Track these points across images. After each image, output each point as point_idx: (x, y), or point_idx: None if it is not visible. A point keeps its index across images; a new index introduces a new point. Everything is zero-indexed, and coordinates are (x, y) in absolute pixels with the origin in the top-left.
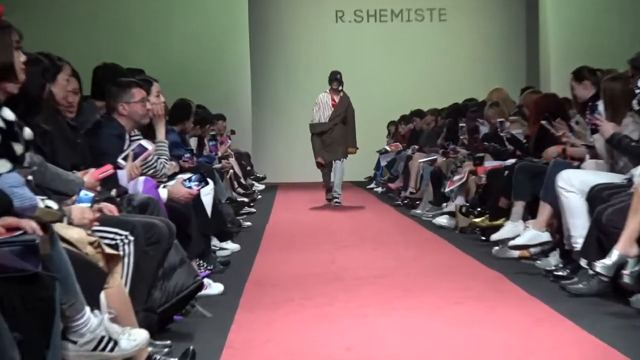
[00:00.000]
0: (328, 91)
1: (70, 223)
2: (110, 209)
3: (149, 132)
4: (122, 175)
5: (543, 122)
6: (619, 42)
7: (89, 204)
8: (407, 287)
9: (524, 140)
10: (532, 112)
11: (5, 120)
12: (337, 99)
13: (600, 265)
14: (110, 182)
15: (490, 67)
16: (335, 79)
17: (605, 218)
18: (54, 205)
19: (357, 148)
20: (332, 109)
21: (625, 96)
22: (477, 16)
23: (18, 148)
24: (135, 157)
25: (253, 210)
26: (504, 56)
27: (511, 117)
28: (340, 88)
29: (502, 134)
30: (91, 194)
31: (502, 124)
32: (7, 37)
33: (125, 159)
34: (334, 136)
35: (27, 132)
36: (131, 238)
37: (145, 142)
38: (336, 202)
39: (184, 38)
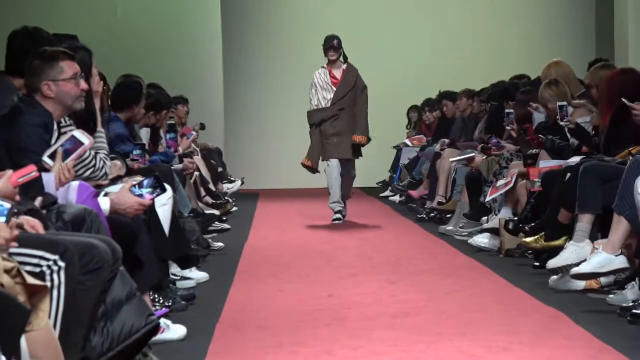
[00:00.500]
0: (325, 66)
1: None
2: (32, 224)
3: (86, 120)
4: (50, 179)
5: (625, 100)
6: None
7: (4, 218)
8: (437, 331)
9: (593, 132)
10: (604, 94)
11: None
12: (338, 74)
13: None
14: (33, 188)
15: (548, 32)
16: (331, 46)
17: None
18: None
19: (369, 138)
20: (334, 88)
21: None
22: None
23: None
24: (67, 154)
25: (226, 226)
26: (566, 18)
27: (575, 101)
28: (341, 58)
29: (562, 123)
30: (7, 205)
31: (562, 109)
32: None
33: (52, 157)
34: (339, 126)
35: None
36: (61, 264)
37: (79, 134)
38: (336, 218)
39: None
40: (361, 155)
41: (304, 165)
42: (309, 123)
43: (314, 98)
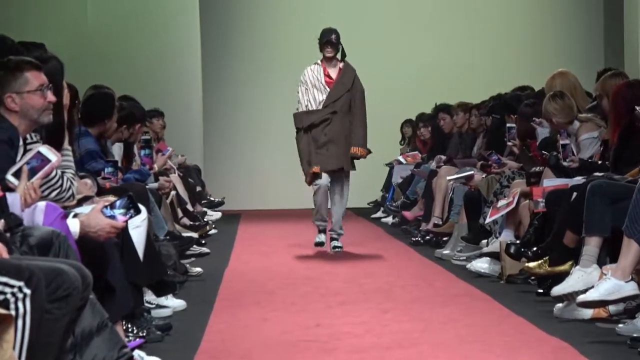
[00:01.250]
0: (320, 62)
1: None
2: None
3: (55, 135)
4: (15, 199)
5: (637, 108)
6: None
7: None
8: None
9: (601, 147)
10: (613, 107)
11: None
12: (334, 73)
13: None
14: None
15: (553, 40)
16: (328, 41)
17: None
18: None
19: (369, 150)
20: (328, 88)
21: None
22: None
23: None
24: (33, 172)
25: (205, 250)
26: (573, 25)
27: (582, 115)
28: (338, 56)
29: (565, 164)
30: None
31: (565, 147)
32: None
33: (17, 175)
34: (331, 132)
35: None
36: (27, 291)
37: (45, 150)
38: (336, 248)
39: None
40: (354, 169)
41: (310, 175)
42: (296, 127)
43: (303, 98)
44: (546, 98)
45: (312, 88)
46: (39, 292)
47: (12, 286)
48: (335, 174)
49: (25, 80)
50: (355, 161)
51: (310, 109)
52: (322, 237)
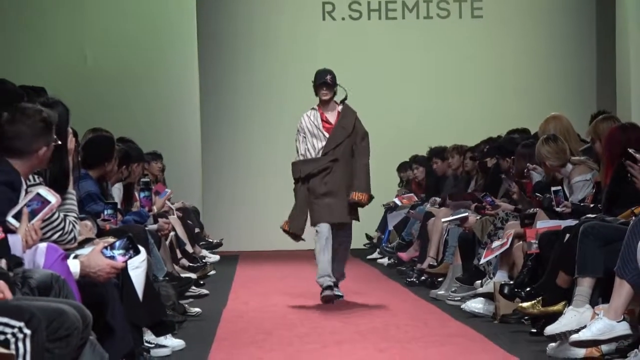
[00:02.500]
0: (316, 107)
1: None
2: None
3: (59, 178)
4: (16, 241)
5: (631, 150)
6: None
7: None
8: None
9: (594, 190)
10: (606, 150)
11: None
12: (332, 117)
13: None
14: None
15: (548, 83)
16: (324, 83)
17: None
18: None
19: (371, 196)
20: (327, 135)
21: None
22: (526, 13)
23: None
24: (33, 214)
25: (204, 291)
26: (565, 69)
27: (575, 158)
28: (335, 98)
29: (558, 209)
30: None
31: (557, 194)
32: None
33: (18, 217)
34: (332, 182)
35: None
36: (27, 331)
37: (44, 192)
38: (326, 296)
39: (104, 38)
40: (358, 219)
41: (284, 230)
42: (294, 177)
43: (300, 146)
44: (539, 141)
45: (310, 136)
46: (39, 332)
47: (12, 327)
48: (335, 227)
49: (52, 136)
50: (356, 203)
51: (309, 157)
52: (328, 292)
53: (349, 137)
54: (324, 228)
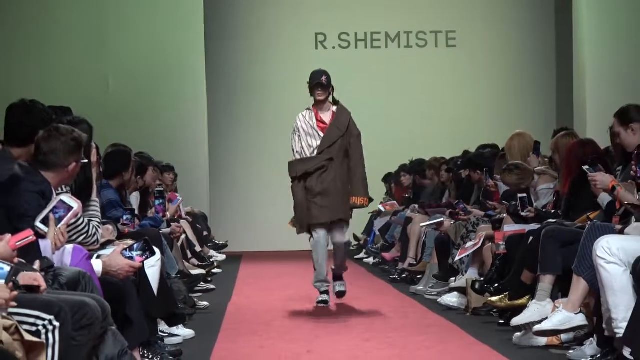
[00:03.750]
0: (311, 107)
1: None
2: (34, 277)
3: (84, 188)
4: (46, 245)
5: (585, 167)
6: None
7: (2, 280)
8: None
9: (554, 198)
10: (565, 162)
11: None
12: (327, 117)
13: None
14: (30, 253)
15: (513, 104)
16: (319, 84)
17: None
18: None
19: (371, 198)
20: (321, 134)
21: None
22: (494, 41)
23: None
24: (59, 220)
25: (211, 286)
26: (529, 91)
27: (538, 168)
28: (330, 99)
29: (523, 214)
30: (7, 268)
31: (523, 200)
32: None
33: (45, 222)
34: (327, 180)
35: None
36: (56, 324)
37: (67, 198)
38: (322, 301)
39: (124, 66)
40: (351, 217)
41: (298, 227)
42: (291, 176)
43: (296, 145)
44: (503, 173)
45: (305, 135)
46: (66, 324)
47: (43, 319)
48: (332, 225)
49: (82, 150)
50: (356, 207)
51: (304, 156)
52: (325, 297)
53: (343, 136)
54: (320, 233)
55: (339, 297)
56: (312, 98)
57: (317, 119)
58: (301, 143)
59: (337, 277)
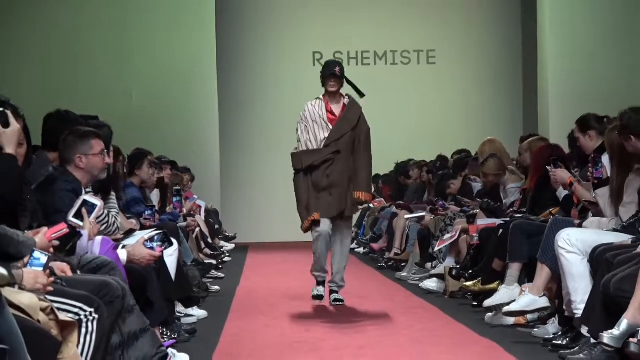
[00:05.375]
0: (322, 97)
1: (21, 288)
2: (62, 268)
3: (103, 186)
4: (84, 235)
5: (548, 167)
6: (630, 85)
7: (41, 268)
8: (395, 359)
9: (521, 195)
10: (534, 161)
11: None
12: (337, 109)
13: (607, 337)
14: (65, 241)
15: (485, 113)
16: (333, 74)
17: (613, 287)
18: (2, 270)
19: (374, 195)
20: (330, 126)
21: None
22: (469, 58)
23: None
24: (88, 215)
25: (221, 275)
26: (500, 102)
27: (510, 167)
28: (341, 92)
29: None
30: (45, 258)
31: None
32: None
33: (77, 216)
34: (334, 174)
35: None
36: (95, 316)
37: (89, 197)
38: (336, 301)
39: (145, 80)
40: (357, 211)
41: (308, 222)
42: (295, 168)
43: (302, 135)
44: (485, 163)
45: (313, 125)
46: (102, 317)
47: (85, 310)
48: (336, 220)
49: (90, 145)
50: (361, 203)
51: (310, 147)
52: (320, 290)
53: (353, 130)
54: (324, 227)
55: (336, 304)
56: (322, 88)
57: (327, 110)
58: (308, 133)
59: (333, 291)
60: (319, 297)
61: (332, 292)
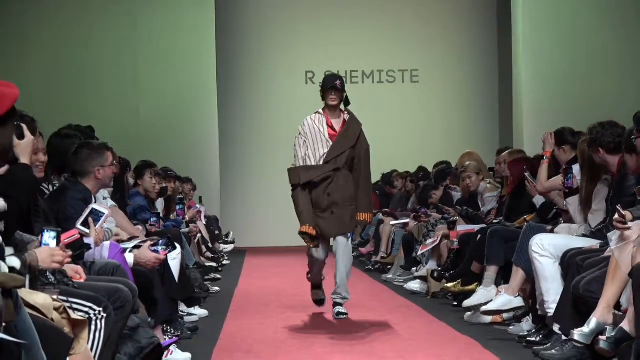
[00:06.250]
0: (321, 111)
1: (38, 271)
2: (76, 269)
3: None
4: (90, 242)
5: (526, 173)
6: (598, 101)
7: (55, 241)
8: (381, 355)
9: (497, 204)
10: (511, 172)
11: None
12: (337, 124)
13: (578, 334)
14: (77, 246)
15: (464, 128)
16: (333, 87)
17: (583, 288)
18: (16, 263)
19: (374, 213)
20: (330, 142)
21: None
22: (449, 77)
23: None
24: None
25: (218, 276)
26: (478, 117)
27: (488, 179)
28: (342, 106)
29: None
30: (54, 232)
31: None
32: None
33: (85, 224)
34: (335, 192)
35: (0, 205)
36: (104, 314)
37: (97, 207)
38: (340, 315)
39: (151, 99)
40: (356, 227)
41: (306, 234)
42: (292, 183)
43: (300, 150)
44: (466, 168)
45: (313, 140)
46: (110, 316)
47: (94, 309)
48: (336, 238)
49: (106, 157)
50: (361, 224)
51: (309, 163)
52: (320, 294)
53: (352, 148)
54: (321, 254)
55: (339, 318)
56: (318, 104)
57: (327, 125)
58: (306, 148)
59: (336, 303)
60: (321, 302)
61: (335, 304)
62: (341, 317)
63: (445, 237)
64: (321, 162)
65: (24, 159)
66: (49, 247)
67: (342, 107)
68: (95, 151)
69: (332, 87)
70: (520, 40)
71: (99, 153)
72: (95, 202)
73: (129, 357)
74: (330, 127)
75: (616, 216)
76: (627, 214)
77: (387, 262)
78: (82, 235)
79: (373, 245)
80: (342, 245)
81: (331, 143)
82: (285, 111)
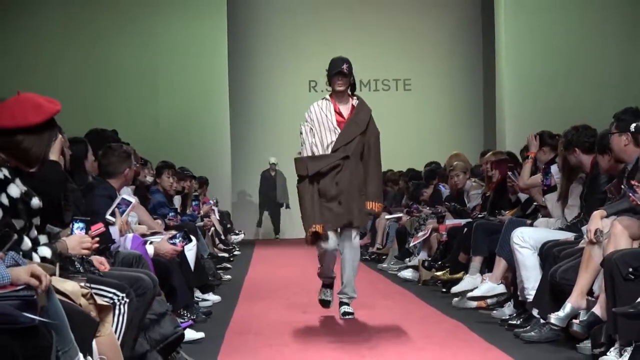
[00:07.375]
0: (329, 97)
1: (68, 257)
2: (100, 260)
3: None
4: (114, 231)
5: (509, 172)
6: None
7: (83, 230)
8: (378, 335)
9: (481, 201)
10: (499, 172)
11: (9, 197)
12: (345, 110)
13: (554, 317)
14: (103, 239)
15: (452, 132)
16: (340, 72)
17: (559, 276)
18: (47, 252)
19: (384, 204)
20: (339, 129)
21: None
22: (439, 86)
23: (18, 223)
24: (122, 213)
25: (228, 265)
26: (464, 122)
27: (473, 178)
28: (349, 91)
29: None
30: (83, 220)
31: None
32: (49, 135)
33: (112, 214)
34: (343, 181)
35: (35, 203)
36: (127, 300)
37: (127, 196)
38: (346, 315)
39: (169, 108)
40: (367, 222)
41: (311, 234)
42: (299, 174)
43: (307, 138)
44: (454, 166)
45: (320, 128)
46: (132, 302)
47: (118, 295)
48: (345, 229)
49: (132, 160)
50: (371, 214)
51: (316, 152)
52: (328, 295)
53: (362, 134)
54: (331, 244)
55: (346, 318)
56: (328, 88)
57: (335, 111)
58: (313, 136)
59: (343, 303)
60: (327, 303)
61: (342, 304)
62: (347, 317)
63: (435, 230)
64: (329, 151)
65: (53, 156)
66: (77, 235)
67: (349, 92)
68: (127, 155)
69: (339, 72)
70: (502, 51)
71: (129, 157)
72: (124, 193)
73: (152, 342)
74: (338, 113)
75: (591, 233)
76: (602, 212)
77: (382, 253)
78: (109, 223)
79: (369, 237)
80: (349, 241)
81: (339, 130)
82: (290, 116)
